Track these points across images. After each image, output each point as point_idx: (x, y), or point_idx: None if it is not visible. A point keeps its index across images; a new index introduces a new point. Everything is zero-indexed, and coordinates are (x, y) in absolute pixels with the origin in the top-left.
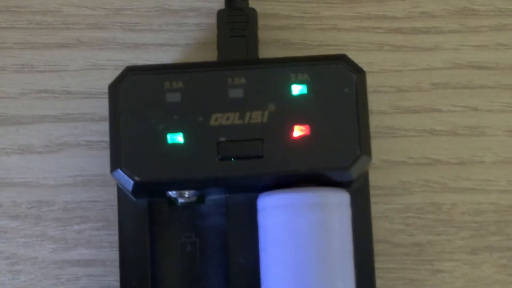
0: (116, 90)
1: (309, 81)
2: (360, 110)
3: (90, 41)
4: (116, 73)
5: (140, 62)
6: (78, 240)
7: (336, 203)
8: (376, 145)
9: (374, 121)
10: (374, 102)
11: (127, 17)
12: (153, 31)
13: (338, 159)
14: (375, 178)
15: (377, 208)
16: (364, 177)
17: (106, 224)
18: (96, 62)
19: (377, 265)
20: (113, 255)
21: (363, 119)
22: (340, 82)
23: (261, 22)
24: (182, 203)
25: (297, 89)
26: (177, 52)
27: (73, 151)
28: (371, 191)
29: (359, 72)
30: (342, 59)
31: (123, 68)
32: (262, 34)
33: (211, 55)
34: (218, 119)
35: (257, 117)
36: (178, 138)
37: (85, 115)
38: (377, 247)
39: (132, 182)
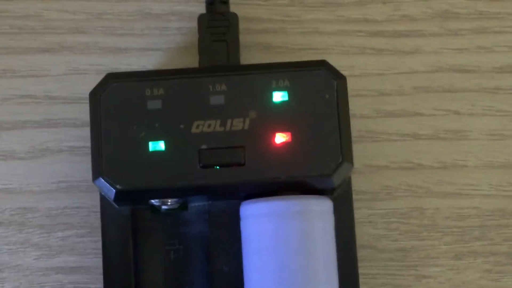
0: (97, 97)
1: (290, 88)
2: (341, 117)
3: (71, 45)
4: (98, 77)
5: (122, 66)
6: (62, 247)
7: (318, 211)
8: (358, 149)
9: (357, 126)
10: (356, 106)
11: (109, 21)
12: (135, 35)
13: (320, 166)
14: (358, 183)
15: (360, 213)
16: (347, 183)
17: (90, 230)
18: (78, 67)
19: (361, 270)
20: (98, 262)
21: (345, 125)
22: (321, 88)
23: (242, 25)
24: (165, 210)
25: (278, 96)
26: (159, 56)
27: (55, 157)
28: (354, 196)
29: (340, 78)
30: (322, 65)
31: (105, 72)
32: (243, 38)
33: (192, 59)
34: (200, 126)
35: (238, 124)
36: (160, 145)
37: (67, 120)
38: (361, 253)
39: (114, 190)
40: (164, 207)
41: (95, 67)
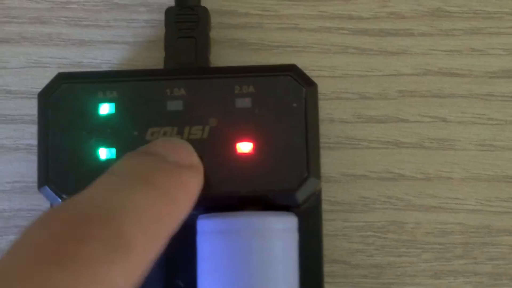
0: (46, 99)
1: (254, 94)
2: (309, 127)
3: (32, 36)
4: (60, 71)
5: (85, 60)
6: None
7: (280, 229)
8: (336, 157)
9: (335, 131)
10: (336, 110)
11: (73, 11)
12: (100, 27)
13: (283, 181)
14: (333, 193)
15: (334, 225)
16: (317, 196)
17: None
18: (39, 59)
19: (331, 287)
20: None
21: (313, 137)
22: (288, 95)
23: (216, 19)
24: None
25: (241, 103)
26: (126, 50)
27: (11, 155)
28: (329, 207)
29: (310, 85)
30: (291, 70)
31: (67, 66)
32: (217, 33)
33: (161, 54)
34: (155, 134)
35: (197, 132)
36: (111, 153)
37: (25, 116)
38: (333, 268)
39: (60, 200)
40: None
41: (57, 60)
